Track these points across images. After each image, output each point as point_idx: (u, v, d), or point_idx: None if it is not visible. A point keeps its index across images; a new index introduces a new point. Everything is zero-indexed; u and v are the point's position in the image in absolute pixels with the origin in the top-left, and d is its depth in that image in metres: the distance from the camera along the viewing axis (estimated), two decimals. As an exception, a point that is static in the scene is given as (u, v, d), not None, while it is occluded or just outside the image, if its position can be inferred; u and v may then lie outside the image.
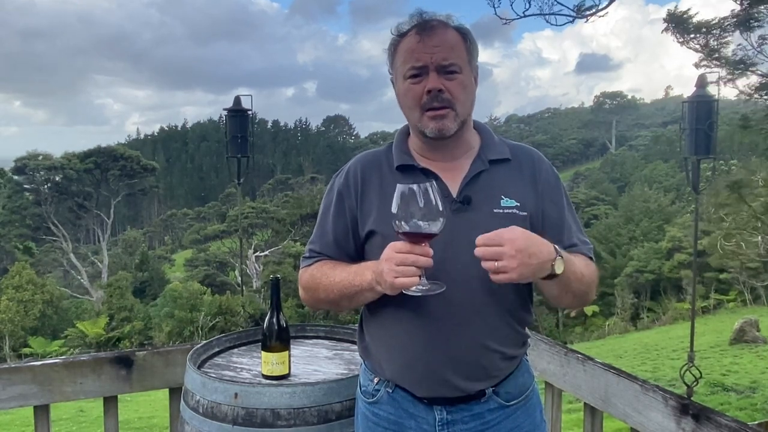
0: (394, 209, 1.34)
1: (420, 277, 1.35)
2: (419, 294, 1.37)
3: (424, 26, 1.48)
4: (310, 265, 1.65)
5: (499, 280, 1.32)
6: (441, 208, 1.32)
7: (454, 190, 1.51)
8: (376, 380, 1.59)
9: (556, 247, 1.38)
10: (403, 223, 1.32)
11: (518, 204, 1.51)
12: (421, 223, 1.31)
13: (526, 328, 1.60)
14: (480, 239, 1.32)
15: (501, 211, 1.49)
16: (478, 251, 1.31)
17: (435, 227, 1.32)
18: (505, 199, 1.51)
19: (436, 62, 1.45)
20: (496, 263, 1.30)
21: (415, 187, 1.32)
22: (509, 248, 1.29)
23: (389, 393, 1.56)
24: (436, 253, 1.36)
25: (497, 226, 1.44)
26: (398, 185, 1.34)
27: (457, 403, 1.51)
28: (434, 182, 1.35)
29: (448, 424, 1.51)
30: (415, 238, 1.33)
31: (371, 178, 1.58)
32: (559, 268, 1.36)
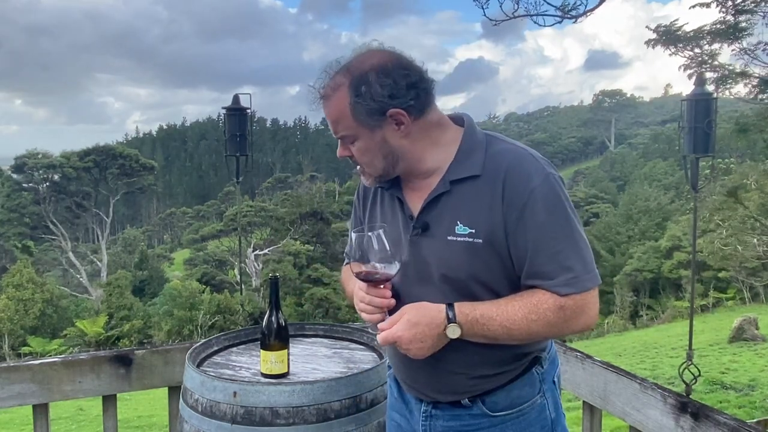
0: (352, 254, 1.43)
1: (386, 314, 1.43)
2: None
3: (319, 98, 1.45)
4: (344, 266, 1.75)
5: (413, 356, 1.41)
6: (393, 253, 1.39)
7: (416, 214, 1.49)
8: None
9: (450, 313, 1.37)
10: (360, 266, 1.40)
11: (472, 231, 1.39)
12: (378, 265, 1.39)
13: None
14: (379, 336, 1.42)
15: (455, 239, 1.41)
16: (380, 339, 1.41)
17: (391, 270, 1.39)
18: (460, 225, 1.40)
19: (335, 133, 1.46)
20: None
21: (369, 234, 1.39)
22: (401, 327, 1.38)
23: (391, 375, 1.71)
24: (396, 281, 1.45)
25: (452, 254, 1.41)
26: (352, 233, 1.43)
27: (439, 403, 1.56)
28: (385, 227, 1.41)
29: (431, 417, 1.56)
30: (372, 282, 1.42)
31: (369, 191, 1.64)
32: (453, 334, 1.37)
